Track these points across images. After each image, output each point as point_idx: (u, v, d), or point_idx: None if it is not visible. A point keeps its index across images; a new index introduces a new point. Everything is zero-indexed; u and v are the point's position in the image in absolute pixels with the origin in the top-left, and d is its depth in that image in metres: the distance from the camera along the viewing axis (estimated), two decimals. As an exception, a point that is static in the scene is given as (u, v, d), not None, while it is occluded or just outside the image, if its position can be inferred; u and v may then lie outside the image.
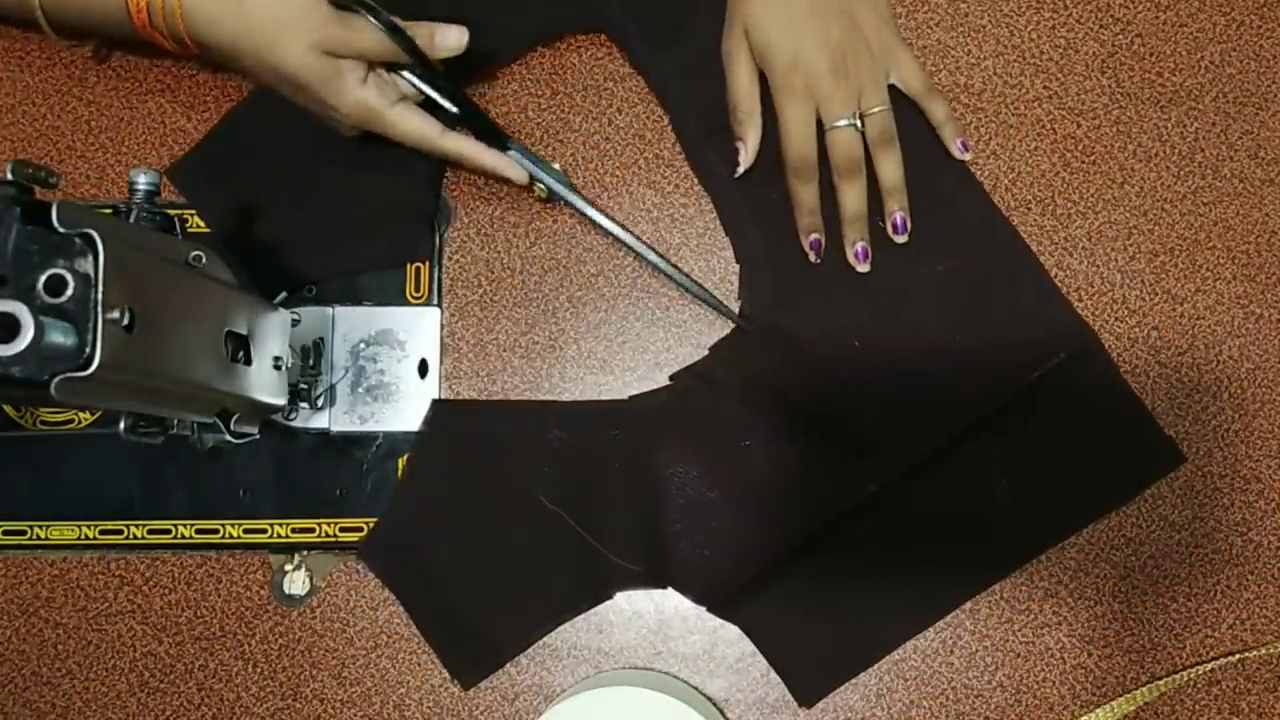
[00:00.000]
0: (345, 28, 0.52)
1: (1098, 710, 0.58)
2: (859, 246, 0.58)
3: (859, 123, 0.56)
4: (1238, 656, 0.58)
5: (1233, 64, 0.62)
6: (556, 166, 0.59)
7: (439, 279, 0.60)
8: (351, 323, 0.59)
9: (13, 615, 0.59)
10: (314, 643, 0.59)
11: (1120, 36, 0.62)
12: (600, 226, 0.58)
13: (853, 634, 0.58)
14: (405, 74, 0.56)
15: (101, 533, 0.58)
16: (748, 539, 0.57)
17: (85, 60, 0.61)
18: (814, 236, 0.58)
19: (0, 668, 0.59)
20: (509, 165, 0.57)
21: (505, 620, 0.58)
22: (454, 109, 0.57)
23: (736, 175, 0.58)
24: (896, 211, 0.58)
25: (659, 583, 0.58)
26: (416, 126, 0.55)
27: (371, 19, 0.52)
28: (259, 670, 0.59)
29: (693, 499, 0.57)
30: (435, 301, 0.60)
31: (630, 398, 0.59)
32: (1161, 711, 0.59)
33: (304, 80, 0.53)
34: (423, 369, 0.59)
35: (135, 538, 0.58)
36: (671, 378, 0.60)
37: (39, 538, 0.58)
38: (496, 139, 0.58)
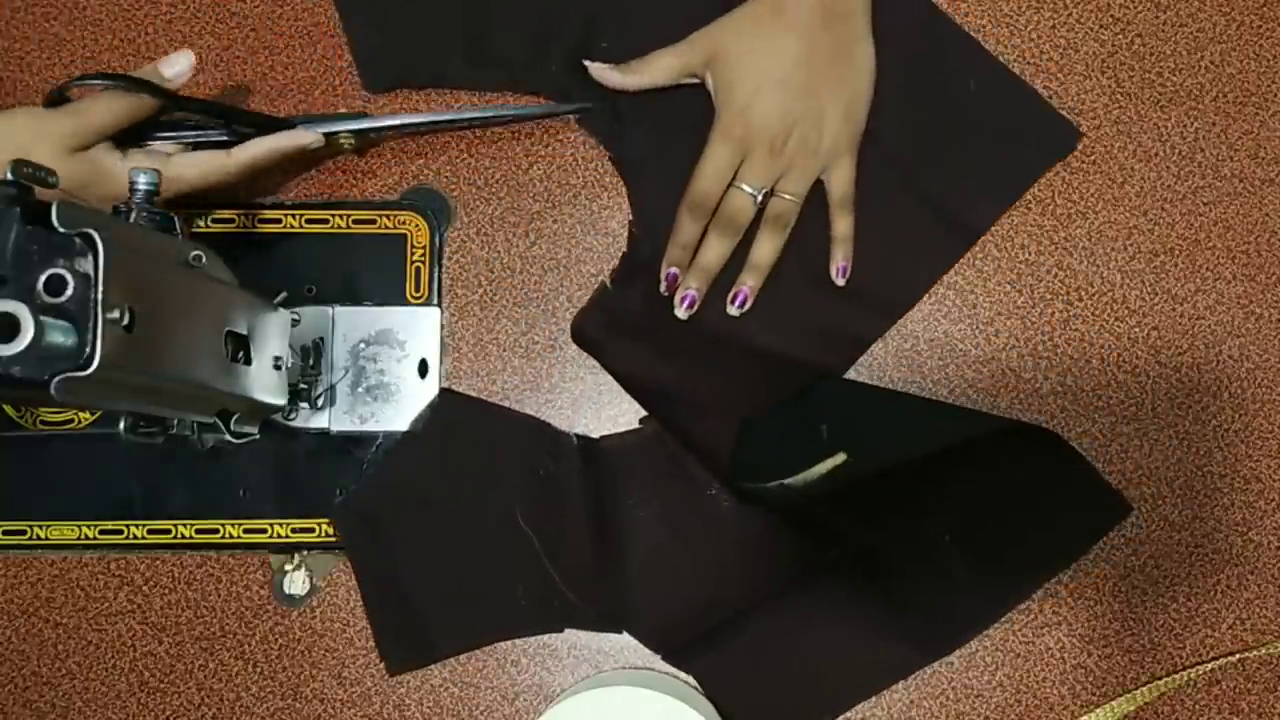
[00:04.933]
0: (75, 115, 0.50)
1: (1098, 710, 0.58)
2: (690, 293, 0.58)
3: (760, 196, 0.56)
4: (1238, 656, 0.58)
5: (1233, 64, 0.62)
6: (343, 110, 0.58)
7: (439, 279, 0.60)
8: (351, 323, 0.59)
9: (13, 615, 0.59)
10: (314, 643, 0.59)
11: (1120, 36, 0.62)
12: (423, 123, 0.58)
13: (807, 690, 0.58)
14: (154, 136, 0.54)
15: (101, 533, 0.58)
16: (707, 589, 0.57)
17: (85, 60, 0.61)
18: (673, 270, 0.58)
19: (0, 668, 0.59)
20: (301, 134, 0.55)
21: (450, 621, 0.58)
22: (223, 122, 0.54)
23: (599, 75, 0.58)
24: (745, 287, 0.58)
25: (613, 627, 0.58)
26: (205, 163, 0.53)
27: (102, 83, 0.50)
28: (259, 670, 0.59)
29: (654, 546, 0.57)
30: (435, 301, 0.60)
31: (601, 437, 0.59)
32: (1161, 711, 0.59)
33: (78, 186, 0.51)
34: (423, 369, 0.59)
35: (135, 538, 0.58)
36: (641, 421, 0.59)
37: (39, 538, 0.58)
38: (278, 125, 0.56)
